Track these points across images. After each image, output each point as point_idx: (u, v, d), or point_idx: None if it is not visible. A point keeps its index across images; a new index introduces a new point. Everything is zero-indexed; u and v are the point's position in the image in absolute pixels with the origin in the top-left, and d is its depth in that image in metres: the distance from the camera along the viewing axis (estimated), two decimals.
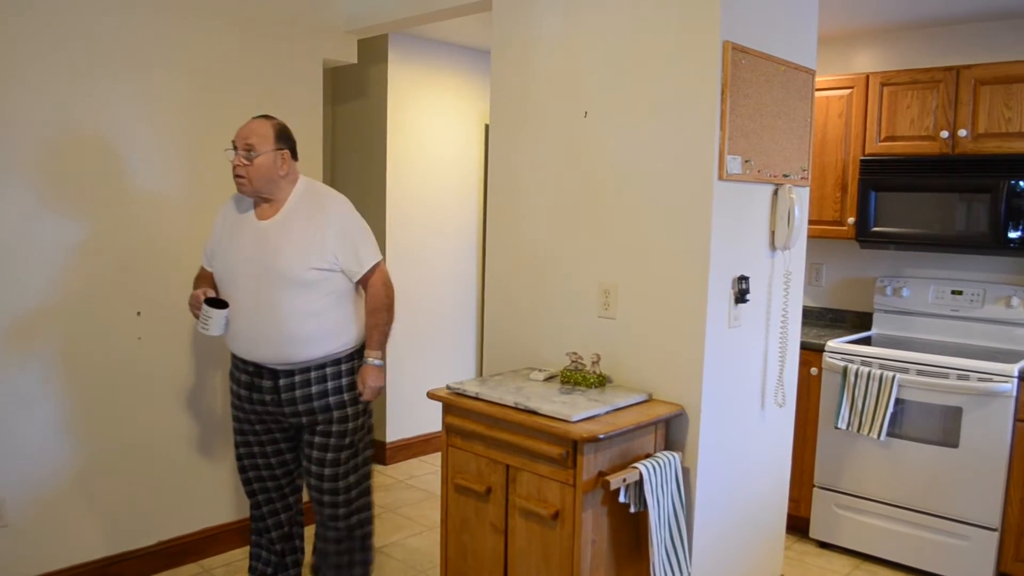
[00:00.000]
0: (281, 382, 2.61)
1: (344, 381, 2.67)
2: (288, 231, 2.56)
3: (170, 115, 3.13)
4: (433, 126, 4.71)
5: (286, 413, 2.65)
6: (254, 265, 2.55)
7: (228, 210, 2.71)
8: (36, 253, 2.81)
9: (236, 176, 2.56)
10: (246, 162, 2.54)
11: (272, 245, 2.54)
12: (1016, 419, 3.01)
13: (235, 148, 2.56)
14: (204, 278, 2.74)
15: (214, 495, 3.37)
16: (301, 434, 2.73)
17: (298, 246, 2.53)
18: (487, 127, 4.87)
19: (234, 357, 2.71)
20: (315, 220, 2.57)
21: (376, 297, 2.65)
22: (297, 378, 2.61)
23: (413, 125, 4.59)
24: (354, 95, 4.67)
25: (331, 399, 2.64)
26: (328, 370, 2.64)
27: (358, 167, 4.67)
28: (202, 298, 2.56)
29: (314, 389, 2.62)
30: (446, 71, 4.73)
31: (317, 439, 2.66)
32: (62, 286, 2.88)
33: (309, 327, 2.55)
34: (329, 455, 2.66)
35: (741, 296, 2.53)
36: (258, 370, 2.63)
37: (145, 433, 3.14)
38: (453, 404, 2.49)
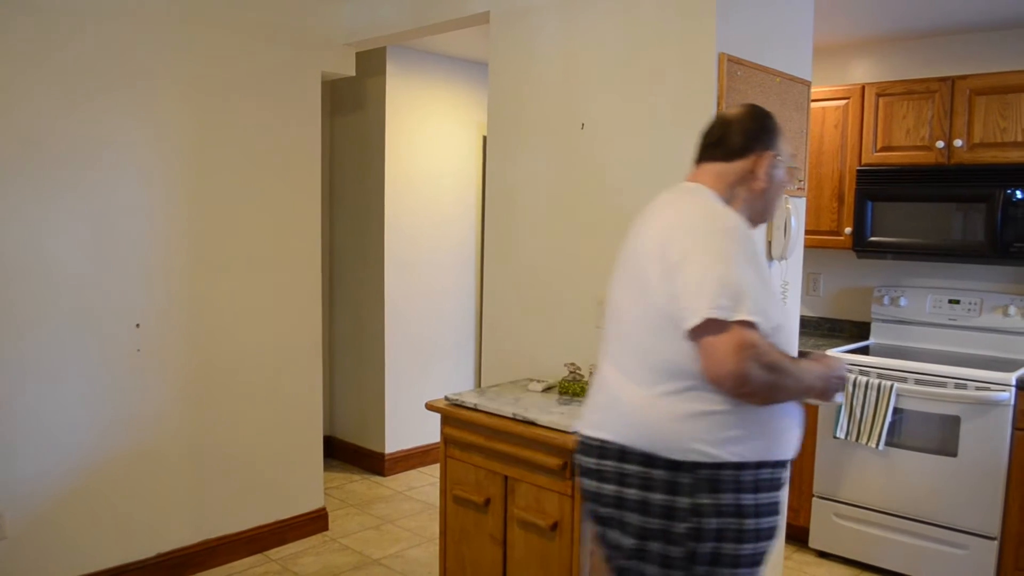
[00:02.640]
0: None
1: None
2: None
3: (169, 126, 3.14)
4: (431, 138, 4.73)
5: None
6: None
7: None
8: (35, 263, 2.82)
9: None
10: None
11: None
12: (1014, 428, 3.02)
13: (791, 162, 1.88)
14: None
15: (214, 507, 3.37)
16: None
17: None
18: (485, 139, 4.89)
19: (779, 467, 1.66)
20: None
21: None
22: None
23: (411, 137, 4.61)
24: (352, 107, 4.69)
25: None
26: None
27: (356, 179, 4.69)
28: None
29: None
30: (444, 83, 4.75)
31: None
32: (60, 297, 2.88)
33: None
34: None
35: None
36: None
37: (143, 445, 3.13)
38: (451, 415, 2.49)
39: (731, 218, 1.65)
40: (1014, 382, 3.02)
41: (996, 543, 3.06)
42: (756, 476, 1.59)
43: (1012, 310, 3.43)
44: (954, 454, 3.14)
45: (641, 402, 1.63)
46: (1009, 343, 3.46)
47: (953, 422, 3.14)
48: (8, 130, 2.73)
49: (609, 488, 1.67)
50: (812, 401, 1.70)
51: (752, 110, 1.81)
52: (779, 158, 1.77)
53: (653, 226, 1.72)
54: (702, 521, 1.57)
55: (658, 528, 1.60)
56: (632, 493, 1.63)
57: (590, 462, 1.73)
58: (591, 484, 1.72)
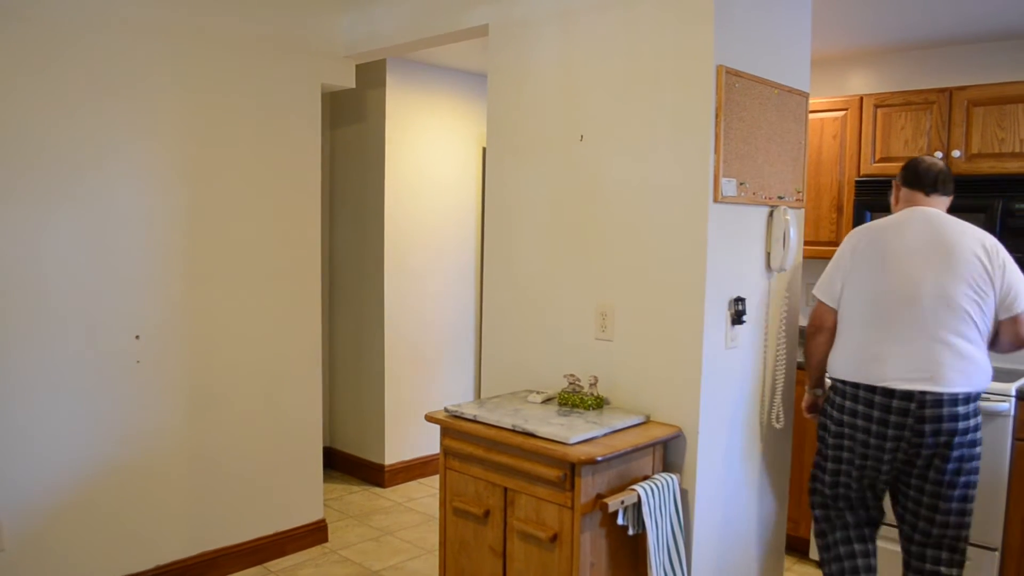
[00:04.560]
0: None
1: None
2: None
3: (168, 136, 3.15)
4: (431, 150, 4.74)
5: None
6: None
7: None
8: (34, 273, 2.82)
9: None
10: None
11: None
12: (1015, 438, 3.01)
13: None
14: None
15: (213, 518, 3.36)
16: None
17: None
18: (484, 150, 4.90)
19: None
20: None
21: None
22: None
23: (411, 149, 4.63)
24: (352, 119, 4.71)
25: None
26: None
27: (357, 190, 4.70)
28: None
29: None
30: (443, 95, 4.77)
31: None
32: (59, 308, 2.88)
33: None
34: None
35: (737, 317, 2.54)
36: None
37: (142, 456, 3.13)
38: (451, 427, 2.49)
39: None
40: (1014, 392, 3.01)
41: (997, 554, 3.05)
42: None
43: None
44: None
45: (985, 360, 2.53)
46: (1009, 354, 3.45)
47: None
48: (6, 140, 2.74)
49: (940, 427, 2.43)
50: None
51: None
52: None
53: (957, 239, 2.48)
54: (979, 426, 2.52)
55: (980, 439, 2.51)
56: (970, 424, 2.46)
57: (948, 411, 2.43)
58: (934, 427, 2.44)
